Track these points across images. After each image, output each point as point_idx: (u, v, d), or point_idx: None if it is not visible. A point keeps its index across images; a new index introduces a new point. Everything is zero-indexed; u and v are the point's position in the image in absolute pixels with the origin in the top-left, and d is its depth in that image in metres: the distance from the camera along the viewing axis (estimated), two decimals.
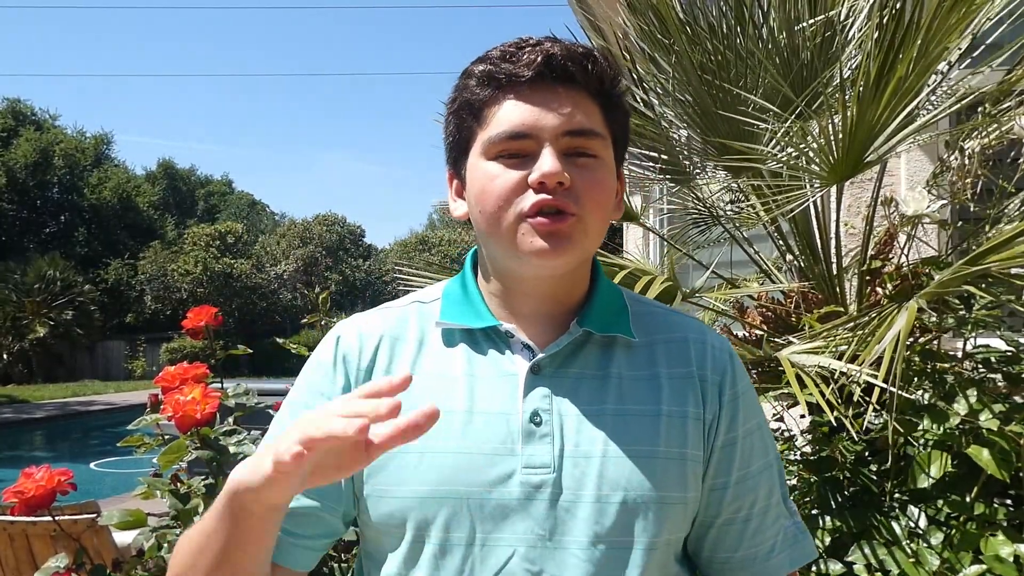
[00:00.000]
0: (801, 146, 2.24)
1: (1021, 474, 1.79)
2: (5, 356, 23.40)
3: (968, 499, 1.80)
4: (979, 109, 2.26)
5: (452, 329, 0.96)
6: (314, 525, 0.93)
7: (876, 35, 1.99)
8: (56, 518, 1.88)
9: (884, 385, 1.69)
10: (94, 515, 2.44)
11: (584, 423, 0.89)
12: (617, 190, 0.95)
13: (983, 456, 1.73)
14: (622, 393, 0.92)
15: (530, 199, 0.86)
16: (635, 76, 2.59)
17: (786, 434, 2.38)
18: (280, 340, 2.51)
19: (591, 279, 0.98)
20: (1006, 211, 2.27)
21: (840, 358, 1.86)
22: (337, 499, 0.93)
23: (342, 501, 0.93)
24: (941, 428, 1.83)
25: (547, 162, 0.85)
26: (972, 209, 2.41)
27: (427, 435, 0.88)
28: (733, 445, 0.94)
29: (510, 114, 0.87)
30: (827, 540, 1.81)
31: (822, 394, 1.77)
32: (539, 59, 0.87)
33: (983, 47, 2.24)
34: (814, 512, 1.88)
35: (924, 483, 1.80)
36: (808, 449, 2.19)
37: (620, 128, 0.94)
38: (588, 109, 0.89)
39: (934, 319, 2.10)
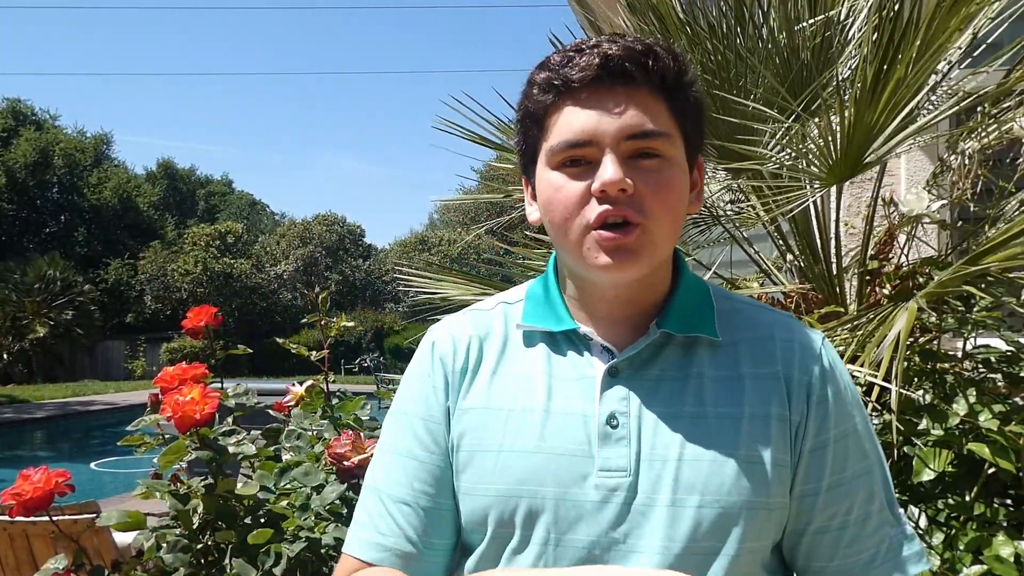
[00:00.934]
0: (801, 147, 2.24)
1: (1021, 474, 1.79)
2: (5, 356, 23.40)
3: (968, 499, 1.80)
4: (978, 109, 2.25)
5: (533, 331, 0.97)
6: (444, 527, 0.94)
7: (875, 36, 1.99)
8: (55, 519, 1.88)
9: (885, 385, 1.69)
10: (94, 515, 2.44)
11: (661, 426, 0.88)
12: (695, 181, 0.94)
13: (984, 450, 1.73)
14: (702, 395, 0.89)
15: (594, 210, 0.85)
16: None
17: None
18: (280, 340, 2.51)
19: (674, 276, 0.96)
20: (1005, 211, 2.27)
21: (840, 358, 1.86)
22: (448, 495, 0.95)
23: (451, 497, 0.95)
24: (941, 428, 1.83)
25: (608, 170, 0.84)
26: (972, 209, 2.41)
27: (505, 434, 0.91)
28: (824, 449, 0.89)
29: (570, 122, 0.86)
30: None
31: None
32: (596, 61, 0.85)
33: (983, 47, 2.24)
34: None
35: (926, 476, 1.79)
36: None
37: (691, 121, 0.91)
38: (652, 108, 0.87)
39: (934, 319, 2.10)
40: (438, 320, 1.06)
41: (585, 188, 0.86)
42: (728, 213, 2.85)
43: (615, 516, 0.86)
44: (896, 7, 1.97)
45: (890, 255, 2.37)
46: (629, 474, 0.87)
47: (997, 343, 2.14)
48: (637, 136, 0.85)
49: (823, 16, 2.30)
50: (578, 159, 0.86)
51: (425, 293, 2.73)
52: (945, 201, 2.32)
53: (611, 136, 0.85)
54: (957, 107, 2.14)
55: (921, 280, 2.12)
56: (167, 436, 1.99)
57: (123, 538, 2.22)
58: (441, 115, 2.83)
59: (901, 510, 0.94)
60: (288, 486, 1.85)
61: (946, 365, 2.04)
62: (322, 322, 2.23)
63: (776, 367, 0.91)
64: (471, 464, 0.92)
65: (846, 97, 2.04)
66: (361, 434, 1.84)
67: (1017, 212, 2.24)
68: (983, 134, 2.22)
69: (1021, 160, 2.27)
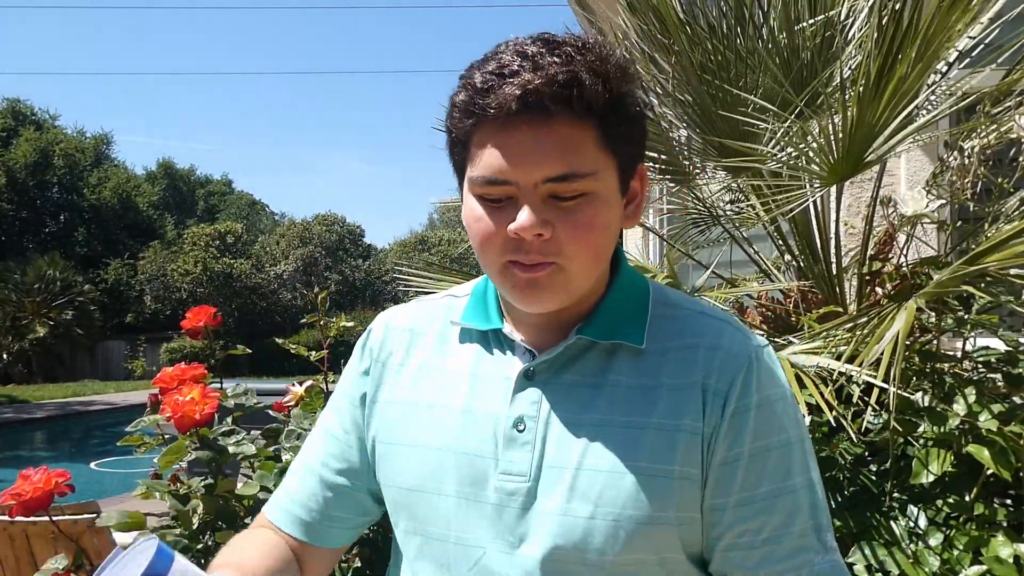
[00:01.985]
0: (801, 146, 2.24)
1: (1021, 474, 1.79)
2: (5, 356, 23.41)
3: (968, 499, 1.80)
4: (978, 109, 2.26)
5: (466, 328, 0.98)
6: (348, 505, 1.01)
7: (876, 36, 1.99)
8: (55, 519, 1.88)
9: (883, 385, 1.69)
10: (94, 515, 2.44)
11: (566, 432, 0.87)
12: (634, 193, 0.91)
13: (984, 454, 1.73)
14: (613, 403, 0.87)
15: (508, 251, 0.83)
16: None
17: None
18: (280, 340, 2.51)
19: (609, 282, 0.94)
20: (1005, 211, 2.27)
21: (839, 358, 1.86)
22: (361, 476, 1.00)
23: (364, 478, 1.00)
24: (940, 429, 1.83)
25: (523, 216, 0.81)
26: (972, 209, 2.41)
27: (422, 429, 0.92)
28: (735, 463, 0.85)
29: (488, 158, 0.82)
30: None
31: (821, 394, 1.77)
32: (516, 93, 0.78)
33: (983, 47, 2.24)
34: None
35: (925, 479, 1.80)
36: None
37: (625, 141, 0.86)
38: (575, 143, 0.81)
39: (933, 319, 2.10)
40: None
41: (502, 224, 0.83)
42: (728, 213, 2.85)
43: (511, 520, 0.86)
44: (897, 7, 1.97)
45: (890, 255, 2.37)
46: (528, 479, 0.86)
47: (997, 344, 2.14)
48: (555, 180, 0.81)
49: (823, 16, 2.30)
50: (496, 196, 0.83)
51: (425, 293, 2.72)
52: (945, 201, 2.32)
53: (530, 180, 0.81)
54: (957, 106, 2.14)
55: (920, 280, 2.12)
56: (167, 436, 1.99)
57: (123, 538, 2.22)
58: (441, 115, 2.83)
59: (832, 538, 0.89)
60: None
61: (945, 365, 2.04)
62: (322, 322, 2.23)
63: (696, 376, 0.87)
64: (387, 456, 0.96)
65: (847, 96, 2.04)
66: None
67: (1016, 212, 2.24)
68: (983, 134, 2.22)
69: (1021, 160, 2.27)
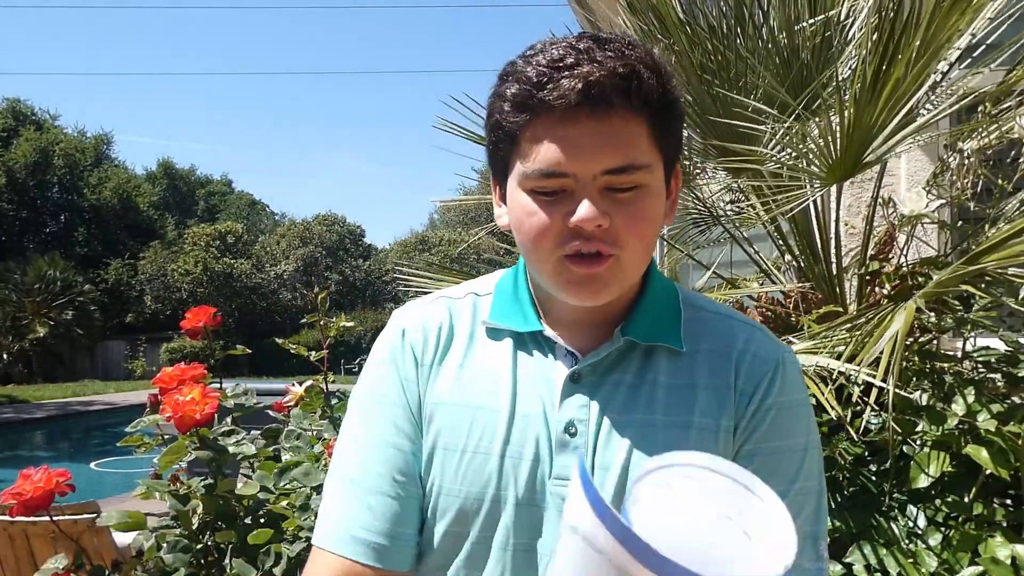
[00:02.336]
0: (800, 146, 2.24)
1: (1020, 474, 1.79)
2: (5, 356, 23.41)
3: (967, 499, 1.80)
4: (978, 109, 2.26)
5: (498, 328, 0.96)
6: (413, 517, 0.93)
7: (873, 37, 1.99)
8: (55, 519, 1.88)
9: (883, 385, 1.69)
10: (94, 515, 2.44)
11: (613, 433, 0.88)
12: (671, 190, 0.91)
13: (982, 455, 1.73)
14: (653, 403, 0.89)
15: (567, 241, 0.83)
16: None
17: None
18: (280, 340, 2.51)
19: (643, 282, 0.94)
20: (1005, 211, 2.27)
21: (839, 358, 1.86)
22: (420, 487, 0.93)
23: (421, 489, 0.94)
24: (940, 429, 1.83)
25: (584, 208, 0.81)
26: (972, 209, 2.41)
27: (471, 434, 0.90)
28: (748, 459, 0.87)
29: (545, 151, 0.82)
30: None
31: (821, 394, 1.77)
32: (577, 86, 0.79)
33: (983, 47, 2.24)
34: None
35: (923, 482, 1.80)
36: None
37: (673, 137, 0.88)
38: (632, 136, 0.82)
39: (933, 319, 2.10)
40: None
41: (558, 217, 0.83)
42: (728, 213, 2.86)
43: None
44: (895, 6, 1.98)
45: (890, 255, 2.37)
46: None
47: (996, 344, 2.14)
48: (616, 171, 0.82)
49: (823, 16, 2.30)
50: (552, 189, 0.83)
51: (425, 293, 2.73)
52: (945, 201, 2.32)
53: (589, 172, 0.81)
54: (957, 106, 2.14)
55: (920, 280, 2.12)
56: (167, 436, 1.99)
57: (123, 538, 2.22)
58: (442, 115, 2.83)
59: (825, 548, 0.91)
60: (288, 486, 1.85)
61: (945, 365, 2.04)
62: (322, 322, 2.23)
63: (729, 378, 0.89)
64: (438, 461, 0.92)
65: (846, 96, 2.05)
66: None
67: (1016, 212, 2.24)
68: (983, 134, 2.23)
69: (1021, 160, 2.27)
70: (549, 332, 0.93)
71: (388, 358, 0.98)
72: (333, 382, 2.22)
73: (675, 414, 0.88)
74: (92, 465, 10.85)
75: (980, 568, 1.66)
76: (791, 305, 2.46)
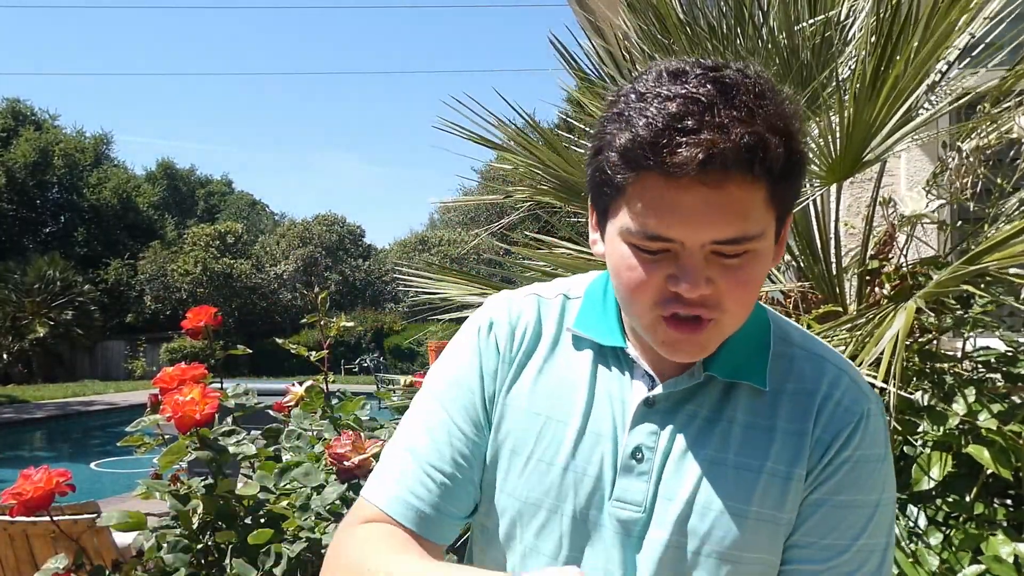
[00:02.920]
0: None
1: (1021, 474, 1.79)
2: (5, 356, 23.39)
3: (968, 499, 1.80)
4: (978, 108, 2.26)
5: (582, 337, 0.94)
6: (465, 500, 0.94)
7: (872, 36, 1.99)
8: (55, 519, 1.88)
9: (883, 385, 1.69)
10: (94, 515, 2.44)
11: (682, 465, 0.87)
12: (780, 238, 0.86)
13: (984, 455, 1.73)
14: (727, 441, 0.87)
15: (666, 302, 0.80)
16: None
17: None
18: (280, 340, 2.51)
19: None
20: (1005, 211, 2.27)
21: None
22: (476, 473, 0.94)
23: (477, 475, 0.94)
24: (940, 429, 1.83)
25: (689, 278, 0.77)
26: (971, 209, 2.41)
27: (539, 441, 0.91)
28: (815, 508, 0.85)
29: (651, 213, 0.77)
30: None
31: None
32: (699, 157, 0.72)
33: (982, 46, 2.24)
34: None
35: (926, 485, 1.80)
36: None
37: (789, 197, 0.83)
38: (748, 204, 0.77)
39: (933, 319, 2.10)
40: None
41: (659, 278, 0.79)
42: None
43: (622, 548, 0.87)
44: (895, 6, 1.98)
45: (890, 255, 2.37)
46: (643, 510, 0.87)
47: (997, 344, 2.14)
48: (724, 243, 0.77)
49: (823, 16, 2.30)
50: (655, 249, 0.79)
51: (425, 293, 2.73)
52: (944, 201, 2.32)
53: (696, 242, 0.77)
54: (956, 104, 2.14)
55: (920, 280, 2.12)
56: (167, 436, 1.99)
57: (123, 538, 2.22)
58: (442, 115, 2.83)
59: None
60: (288, 486, 1.85)
61: (945, 365, 2.04)
62: (322, 322, 2.23)
63: (808, 423, 0.86)
64: (503, 462, 0.93)
65: (845, 96, 2.05)
66: (361, 434, 1.84)
67: (1016, 212, 2.24)
68: (982, 133, 2.23)
69: (1020, 160, 2.27)
70: (631, 351, 0.91)
71: (474, 345, 0.97)
72: (333, 382, 2.22)
73: (748, 456, 0.86)
74: (92, 465, 10.84)
75: (982, 567, 1.66)
76: (791, 305, 2.46)
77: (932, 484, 1.80)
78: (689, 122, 0.74)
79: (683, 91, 0.76)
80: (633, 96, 0.79)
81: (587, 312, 0.95)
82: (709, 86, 0.76)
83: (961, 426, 1.83)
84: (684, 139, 0.73)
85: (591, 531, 0.88)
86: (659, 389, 0.89)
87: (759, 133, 0.74)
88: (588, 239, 0.94)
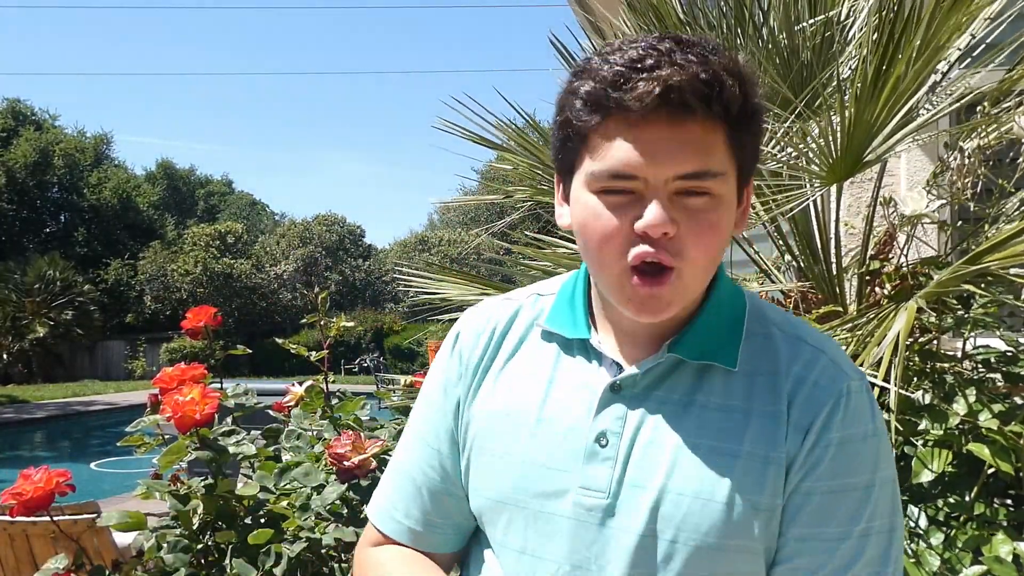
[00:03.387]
0: (800, 146, 2.24)
1: (1021, 474, 1.79)
2: (5, 356, 23.39)
3: (968, 499, 1.80)
4: (978, 109, 2.26)
5: (550, 332, 0.95)
6: (449, 509, 0.97)
7: (873, 36, 1.99)
8: (55, 519, 1.88)
9: (884, 385, 1.69)
10: (94, 515, 2.44)
11: (651, 451, 0.85)
12: (743, 201, 0.88)
13: (984, 451, 1.73)
14: (702, 425, 0.85)
15: (632, 248, 0.80)
16: None
17: None
18: (280, 340, 2.51)
19: (705, 295, 0.90)
20: (1005, 211, 2.27)
21: None
22: (457, 483, 0.97)
23: (461, 484, 0.97)
24: (941, 428, 1.83)
25: (652, 212, 0.78)
26: (972, 209, 2.41)
27: (501, 437, 0.91)
28: (805, 497, 0.83)
29: (616, 152, 0.79)
30: None
31: None
32: (656, 90, 0.76)
33: (983, 47, 2.24)
34: None
35: (926, 477, 1.79)
36: None
37: (749, 149, 0.85)
38: (709, 143, 0.79)
39: (933, 319, 2.10)
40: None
41: (625, 221, 0.80)
42: None
43: (589, 537, 0.85)
44: (896, 6, 1.97)
45: (890, 255, 2.37)
46: (607, 496, 0.85)
47: (997, 344, 2.14)
48: (687, 177, 0.79)
49: (823, 16, 2.30)
50: (620, 190, 0.80)
51: (425, 293, 2.73)
52: (945, 201, 2.32)
53: (660, 177, 0.79)
54: (957, 105, 2.14)
55: (921, 280, 2.12)
56: (167, 436, 1.99)
57: (123, 538, 2.22)
58: (442, 115, 2.84)
59: None
60: (288, 486, 1.85)
61: (945, 365, 2.04)
62: (322, 322, 2.23)
63: (781, 405, 0.84)
64: (475, 464, 0.94)
65: (846, 96, 2.05)
66: (361, 434, 1.84)
67: (1016, 212, 2.24)
68: (983, 133, 2.22)
69: (1021, 160, 2.27)
70: (595, 341, 0.91)
71: (443, 358, 1.01)
72: (333, 382, 2.22)
73: (724, 440, 0.84)
74: (92, 465, 10.84)
75: (983, 567, 1.66)
76: (791, 305, 2.46)
77: (932, 477, 1.79)
78: (649, 61, 0.78)
79: (643, 43, 0.80)
80: (596, 58, 0.83)
81: (557, 308, 0.96)
82: (667, 41, 0.80)
83: (961, 426, 1.83)
84: (643, 75, 0.77)
85: (554, 521, 0.87)
86: (625, 373, 0.88)
87: (715, 72, 0.78)
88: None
